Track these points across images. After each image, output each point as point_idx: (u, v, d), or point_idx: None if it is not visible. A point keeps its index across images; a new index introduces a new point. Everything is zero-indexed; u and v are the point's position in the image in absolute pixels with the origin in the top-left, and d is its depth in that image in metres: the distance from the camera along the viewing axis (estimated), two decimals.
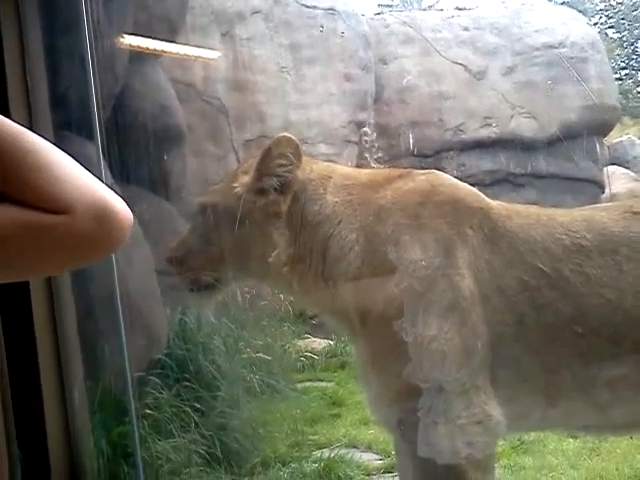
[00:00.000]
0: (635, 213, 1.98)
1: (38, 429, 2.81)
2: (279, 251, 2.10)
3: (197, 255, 2.22)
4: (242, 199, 2.11)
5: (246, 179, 2.14)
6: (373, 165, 8.65)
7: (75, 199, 0.93)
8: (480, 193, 2.12)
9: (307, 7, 8.80)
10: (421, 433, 1.92)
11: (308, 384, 5.75)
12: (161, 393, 3.88)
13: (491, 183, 9.53)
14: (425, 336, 1.92)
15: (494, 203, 2.09)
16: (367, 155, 9.03)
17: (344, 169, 2.29)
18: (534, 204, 2.27)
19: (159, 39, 5.23)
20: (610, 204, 2.19)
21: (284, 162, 2.10)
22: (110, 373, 3.63)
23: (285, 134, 2.13)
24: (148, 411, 3.72)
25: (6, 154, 0.92)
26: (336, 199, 2.11)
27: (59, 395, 2.92)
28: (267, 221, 2.11)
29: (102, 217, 0.95)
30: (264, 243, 2.12)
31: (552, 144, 9.75)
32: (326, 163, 2.31)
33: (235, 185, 2.14)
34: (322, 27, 8.47)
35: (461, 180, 2.20)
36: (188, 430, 3.79)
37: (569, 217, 2.02)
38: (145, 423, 3.63)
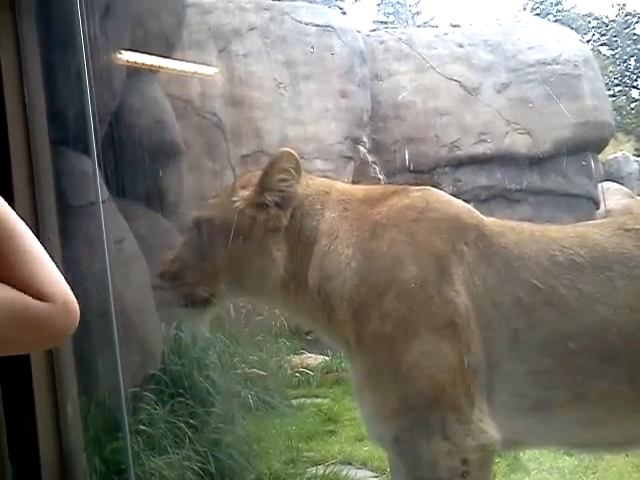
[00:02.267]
0: (628, 230, 1.99)
1: (31, 444, 2.79)
2: (277, 266, 2.10)
3: (192, 270, 2.21)
4: (242, 213, 2.11)
5: (246, 193, 2.14)
6: (371, 181, 8.69)
7: (54, 289, 1.09)
8: (474, 209, 2.13)
9: (303, 24, 8.86)
10: (416, 450, 1.92)
11: (303, 400, 5.73)
12: (155, 409, 3.86)
13: (486, 199, 9.57)
14: (420, 352, 1.92)
15: (488, 220, 2.10)
16: (363, 171, 9.07)
17: (340, 185, 2.30)
18: (529, 220, 2.28)
19: (156, 55, 5.26)
20: (603, 220, 2.20)
21: (286, 177, 2.11)
22: (104, 388, 3.62)
23: (287, 149, 2.14)
24: (142, 427, 3.70)
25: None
26: (333, 214, 2.12)
27: (52, 410, 2.91)
28: (266, 236, 2.11)
29: (69, 309, 1.11)
30: (262, 258, 2.12)
31: (547, 160, 9.81)
32: (322, 179, 2.32)
33: (235, 199, 2.14)
34: (312, 48, 8.52)
35: (456, 196, 2.21)
36: (182, 446, 3.76)
37: (562, 233, 2.03)
38: (139, 439, 3.61)
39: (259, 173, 2.16)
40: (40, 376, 2.93)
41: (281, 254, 2.11)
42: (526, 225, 2.12)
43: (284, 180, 2.11)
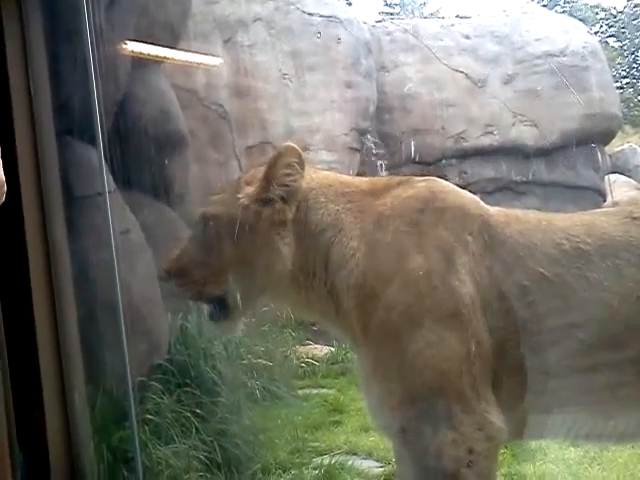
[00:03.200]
0: (635, 218, 1.98)
1: (39, 433, 2.81)
2: (284, 260, 2.10)
3: (198, 267, 2.20)
4: (247, 209, 2.11)
5: (250, 189, 2.14)
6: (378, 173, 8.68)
7: None
8: (479, 200, 2.13)
9: (308, 14, 8.84)
10: (422, 440, 1.92)
11: (309, 391, 5.75)
12: (162, 398, 3.88)
13: (493, 191, 9.56)
14: (426, 343, 1.92)
15: (493, 209, 2.09)
16: (368, 162, 9.06)
17: (343, 177, 2.29)
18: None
19: (161, 46, 5.25)
20: (610, 209, 2.19)
21: (290, 171, 2.11)
22: (111, 378, 3.64)
23: (289, 143, 2.14)
24: (149, 416, 3.71)
25: None
26: (337, 207, 2.12)
27: (60, 399, 2.93)
28: (272, 231, 2.11)
29: None
30: (269, 253, 2.12)
31: (553, 152, 9.78)
32: (326, 172, 2.32)
33: (240, 196, 2.14)
34: (319, 33, 8.49)
35: (463, 187, 2.20)
36: (189, 436, 3.78)
37: (569, 222, 2.02)
38: (146, 428, 3.62)
39: (263, 168, 2.16)
40: (48, 366, 2.95)
41: (287, 248, 2.11)
42: (532, 214, 2.12)
43: (288, 175, 2.11)
